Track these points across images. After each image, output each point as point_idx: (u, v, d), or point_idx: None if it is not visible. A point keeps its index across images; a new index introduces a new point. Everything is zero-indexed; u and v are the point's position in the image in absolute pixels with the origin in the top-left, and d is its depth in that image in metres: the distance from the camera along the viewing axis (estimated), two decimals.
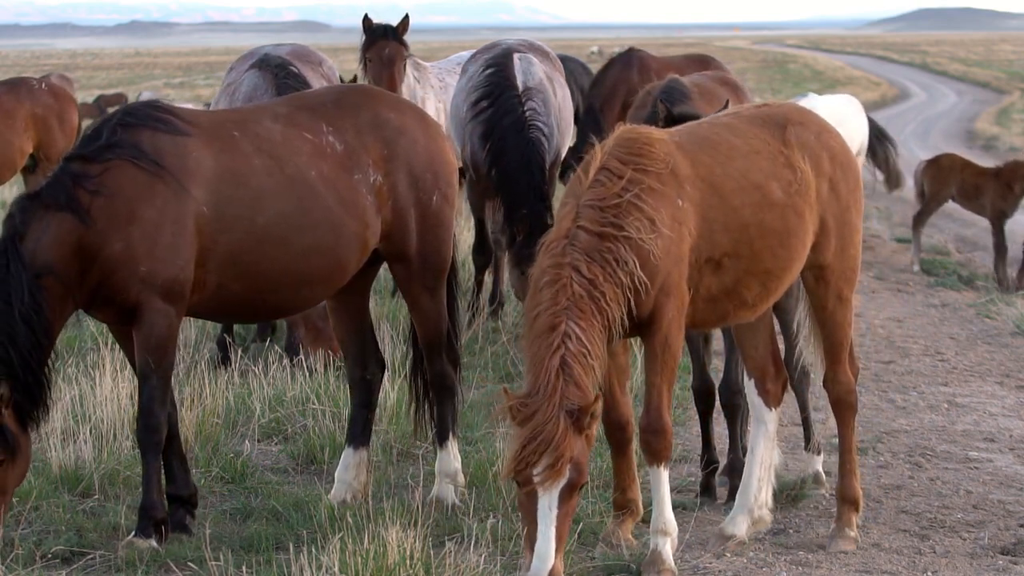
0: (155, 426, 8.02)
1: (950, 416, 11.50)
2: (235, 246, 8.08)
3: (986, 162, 21.95)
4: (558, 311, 7.15)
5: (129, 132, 8.02)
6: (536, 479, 6.96)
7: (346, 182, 8.33)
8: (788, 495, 8.98)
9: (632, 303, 7.34)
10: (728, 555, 8.10)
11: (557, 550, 6.98)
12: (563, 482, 6.96)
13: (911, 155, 38.29)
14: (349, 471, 8.91)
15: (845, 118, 20.04)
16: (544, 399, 6.98)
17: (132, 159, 7.93)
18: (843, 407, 8.44)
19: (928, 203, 19.03)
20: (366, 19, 14.23)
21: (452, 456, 8.96)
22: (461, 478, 8.99)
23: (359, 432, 8.98)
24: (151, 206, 7.90)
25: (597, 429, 7.29)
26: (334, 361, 11.32)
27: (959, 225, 22.93)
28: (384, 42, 13.94)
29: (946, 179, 18.79)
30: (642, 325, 7.50)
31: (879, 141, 20.42)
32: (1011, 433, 10.99)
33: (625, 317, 7.33)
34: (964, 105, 61.74)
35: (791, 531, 8.62)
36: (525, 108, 12.90)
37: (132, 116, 8.11)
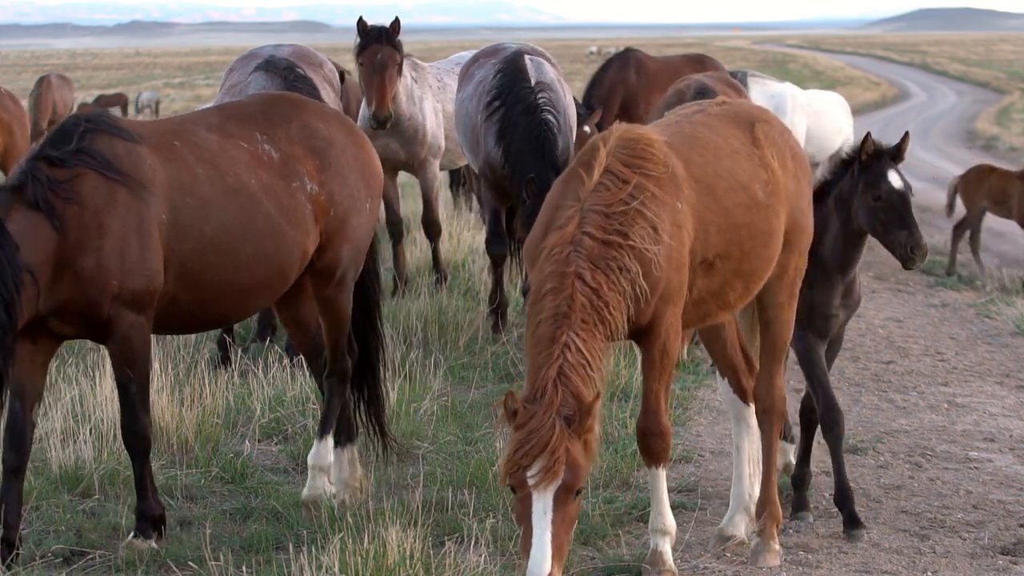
0: (141, 431, 8.03)
1: (950, 416, 11.49)
2: (186, 255, 8.01)
3: (987, 162, 21.93)
4: (560, 321, 7.03)
5: (93, 139, 7.89)
6: (530, 481, 6.79)
7: (285, 190, 8.34)
8: (788, 496, 8.97)
9: (632, 311, 7.24)
10: (728, 555, 8.10)
11: (555, 558, 6.74)
12: (558, 484, 6.79)
13: (911, 156, 38.35)
14: (343, 470, 8.91)
15: (831, 114, 19.98)
16: (540, 407, 6.87)
17: (97, 169, 7.80)
18: (774, 415, 8.20)
19: (966, 216, 18.88)
20: (360, 21, 14.20)
21: (328, 450, 8.85)
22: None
23: (341, 430, 9.00)
24: (117, 217, 7.78)
25: (598, 434, 7.19)
26: None
27: None
28: (377, 46, 13.88)
29: (977, 190, 18.71)
30: (640, 331, 7.42)
31: None
32: (1011, 433, 10.98)
33: (625, 324, 7.25)
34: (964, 105, 61.80)
35: (791, 531, 8.61)
36: (538, 97, 12.88)
37: (92, 123, 7.99)
